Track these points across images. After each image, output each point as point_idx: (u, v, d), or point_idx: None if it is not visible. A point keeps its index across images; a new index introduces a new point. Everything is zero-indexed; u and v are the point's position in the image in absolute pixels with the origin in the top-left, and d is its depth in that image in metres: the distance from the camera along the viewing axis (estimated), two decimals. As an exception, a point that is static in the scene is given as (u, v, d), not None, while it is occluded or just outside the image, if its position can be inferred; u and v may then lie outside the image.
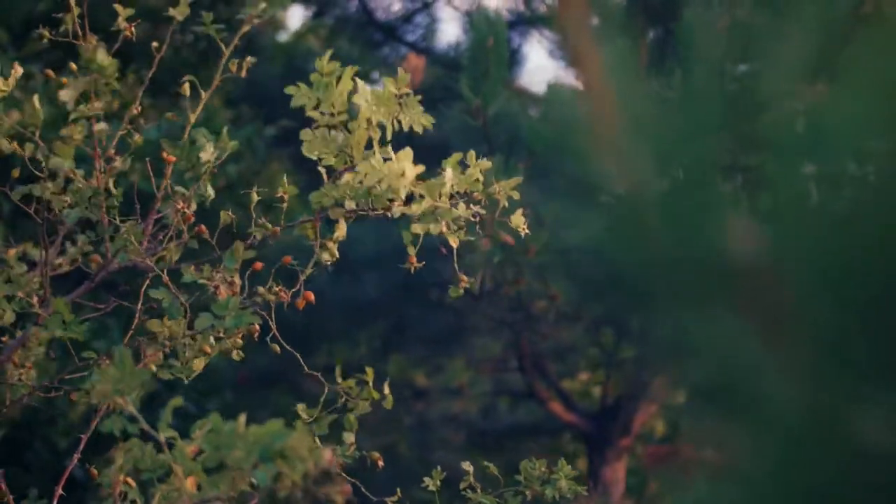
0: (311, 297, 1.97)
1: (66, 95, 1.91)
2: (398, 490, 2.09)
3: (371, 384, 2.02)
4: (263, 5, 1.98)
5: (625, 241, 0.79)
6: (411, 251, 1.87)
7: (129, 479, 1.65)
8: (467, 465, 2.13)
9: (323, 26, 7.32)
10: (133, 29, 2.02)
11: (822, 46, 0.74)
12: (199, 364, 1.99)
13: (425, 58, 7.16)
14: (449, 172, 1.77)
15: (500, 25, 5.16)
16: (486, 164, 1.84)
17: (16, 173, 1.99)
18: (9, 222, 4.88)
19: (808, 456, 0.75)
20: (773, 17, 0.76)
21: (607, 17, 0.83)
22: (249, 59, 2.04)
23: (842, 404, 0.73)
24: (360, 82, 1.76)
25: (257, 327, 1.97)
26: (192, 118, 2.01)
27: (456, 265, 1.90)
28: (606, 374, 6.37)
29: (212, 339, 1.98)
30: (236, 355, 1.99)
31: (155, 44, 2.02)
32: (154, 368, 1.99)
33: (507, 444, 6.70)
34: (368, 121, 1.76)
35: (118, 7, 2.00)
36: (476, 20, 5.18)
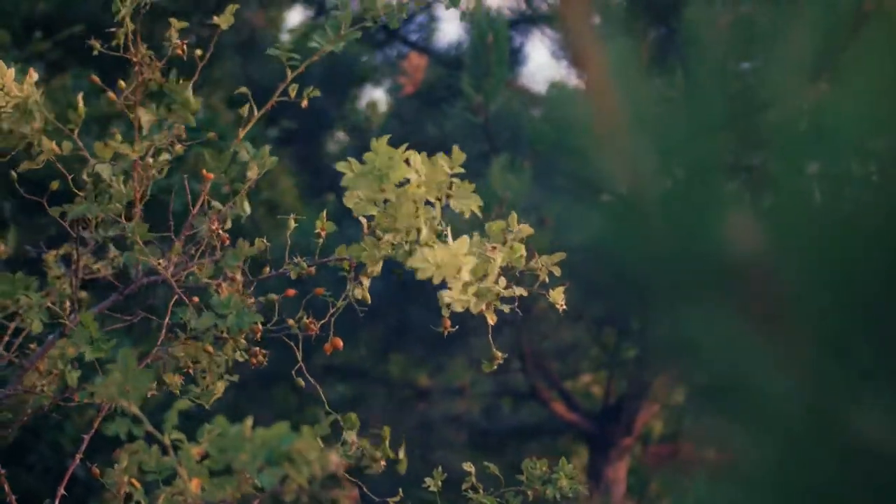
0: (340, 343, 1.97)
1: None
2: (400, 490, 2.09)
3: (387, 443, 2.00)
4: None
5: (627, 241, 0.79)
6: (445, 313, 1.86)
7: (134, 481, 1.65)
8: (469, 466, 2.13)
9: (323, 26, 7.30)
10: (185, 46, 2.01)
11: (825, 44, 0.74)
12: (220, 388, 1.98)
13: (426, 57, 7.16)
14: (499, 256, 1.74)
15: (502, 24, 5.16)
16: (528, 229, 1.82)
17: (55, 185, 1.98)
18: (14, 222, 4.87)
19: (808, 456, 0.75)
20: (776, 15, 0.76)
21: (609, 16, 0.82)
22: (312, 89, 2.04)
23: (843, 404, 0.72)
24: (412, 158, 1.72)
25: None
26: (242, 133, 1.99)
27: (490, 338, 1.89)
28: (608, 374, 6.37)
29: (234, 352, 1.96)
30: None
31: (199, 52, 2.02)
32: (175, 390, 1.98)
33: (510, 444, 6.69)
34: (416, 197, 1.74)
35: (172, 20, 2.00)
36: (477, 19, 5.18)
